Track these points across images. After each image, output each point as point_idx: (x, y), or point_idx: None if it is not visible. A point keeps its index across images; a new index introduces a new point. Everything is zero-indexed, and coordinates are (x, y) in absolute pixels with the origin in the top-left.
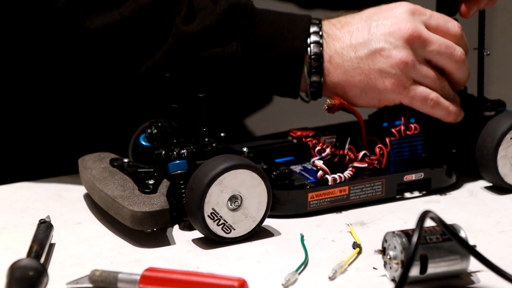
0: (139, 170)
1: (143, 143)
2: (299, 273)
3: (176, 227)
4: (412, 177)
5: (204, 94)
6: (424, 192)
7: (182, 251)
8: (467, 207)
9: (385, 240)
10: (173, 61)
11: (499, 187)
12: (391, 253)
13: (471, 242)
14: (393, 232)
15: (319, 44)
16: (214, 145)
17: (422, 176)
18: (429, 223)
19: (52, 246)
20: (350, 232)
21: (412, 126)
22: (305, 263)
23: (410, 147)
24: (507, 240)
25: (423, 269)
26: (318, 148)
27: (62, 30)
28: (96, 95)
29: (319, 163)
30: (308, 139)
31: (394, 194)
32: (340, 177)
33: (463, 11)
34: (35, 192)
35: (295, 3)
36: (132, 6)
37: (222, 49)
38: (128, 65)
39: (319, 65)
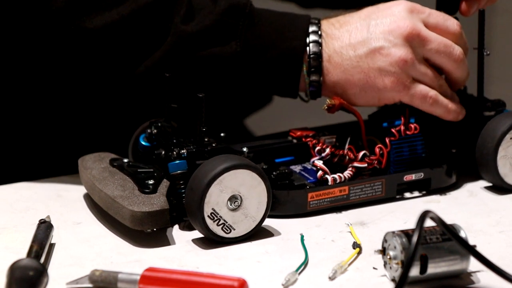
0: (139, 170)
1: (143, 143)
2: (299, 273)
3: (176, 227)
4: (412, 177)
5: (204, 94)
6: (424, 192)
7: (182, 251)
8: (467, 207)
9: (385, 240)
10: (172, 61)
11: (499, 187)
12: (391, 253)
13: (471, 242)
14: (393, 232)
15: (318, 43)
16: (214, 145)
17: (422, 176)
18: (429, 223)
19: (52, 246)
20: (350, 232)
21: (412, 126)
22: (305, 263)
23: (410, 147)
24: (507, 240)
25: (423, 269)
26: (318, 148)
27: (61, 30)
28: (96, 95)
29: (319, 163)
30: (308, 139)
31: (394, 194)
32: (340, 177)
33: (463, 9)
34: (35, 192)
35: (295, 2)
36: (132, 6)
37: (221, 49)
38: (127, 65)
39: (318, 65)
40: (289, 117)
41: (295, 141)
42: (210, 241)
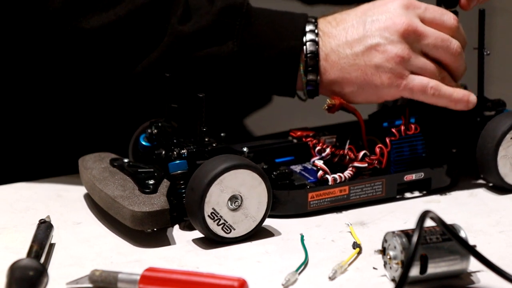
0: (139, 170)
1: (143, 143)
2: (299, 273)
3: (176, 227)
4: (412, 177)
5: (204, 94)
6: (424, 192)
7: (182, 251)
8: (467, 207)
9: (385, 240)
10: (169, 61)
11: (499, 187)
12: (391, 253)
13: (471, 242)
14: (393, 232)
15: (315, 42)
16: (214, 145)
17: (422, 176)
18: (429, 223)
19: (52, 246)
20: (350, 232)
21: (412, 126)
22: (305, 263)
23: (410, 147)
24: (507, 240)
25: (423, 269)
26: (318, 148)
27: (58, 30)
28: (96, 95)
29: (319, 163)
30: (308, 139)
31: (394, 194)
32: (340, 177)
33: (463, 3)
34: (35, 192)
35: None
36: (128, 6)
37: (218, 49)
38: (125, 65)
39: (315, 64)
40: (289, 117)
41: (295, 141)
42: (210, 241)
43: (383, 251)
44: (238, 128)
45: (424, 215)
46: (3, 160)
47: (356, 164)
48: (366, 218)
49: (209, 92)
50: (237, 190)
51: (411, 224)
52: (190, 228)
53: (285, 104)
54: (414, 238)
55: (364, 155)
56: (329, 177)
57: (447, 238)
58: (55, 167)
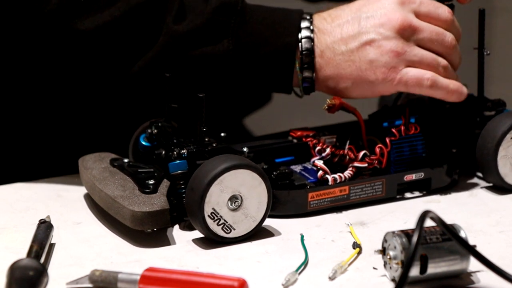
0: (139, 170)
1: (143, 143)
2: (299, 273)
3: (176, 227)
4: (412, 177)
5: (204, 94)
6: (424, 192)
7: (182, 251)
8: (467, 207)
9: (385, 240)
10: (165, 61)
11: (499, 187)
12: (391, 253)
13: (471, 242)
14: (393, 232)
15: (310, 39)
16: (214, 145)
17: (422, 176)
18: (429, 223)
19: (52, 246)
20: (350, 232)
21: (412, 126)
22: (305, 263)
23: (410, 147)
24: (507, 240)
25: (423, 269)
26: (318, 148)
27: (54, 32)
28: (96, 95)
29: (319, 163)
30: (308, 139)
31: (394, 194)
32: (340, 177)
33: None
34: (35, 192)
35: None
36: (123, 7)
37: (213, 48)
38: (121, 65)
39: (311, 61)
40: (289, 117)
41: (295, 141)
42: (210, 241)
43: (383, 251)
44: (238, 128)
45: (424, 215)
46: (3, 160)
47: (356, 164)
48: (366, 218)
49: (206, 91)
50: (237, 190)
51: (411, 224)
52: (190, 228)
53: (285, 104)
54: (414, 238)
55: (364, 155)
56: (329, 177)
57: (447, 238)
58: (55, 167)
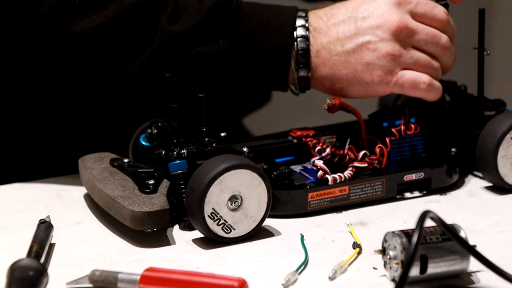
0: (139, 170)
1: (143, 143)
2: (299, 273)
3: (176, 227)
4: (412, 177)
5: (203, 94)
6: (424, 192)
7: (182, 251)
8: (467, 207)
9: (385, 240)
10: (161, 61)
11: (499, 187)
12: (391, 253)
13: (471, 242)
14: (393, 232)
15: (306, 38)
16: (214, 145)
17: (422, 176)
18: (429, 223)
19: (52, 246)
20: (350, 232)
21: (412, 126)
22: (305, 263)
23: (410, 147)
24: (507, 240)
25: (423, 269)
26: (318, 148)
27: (49, 34)
28: (95, 95)
29: (319, 163)
30: (308, 139)
31: (394, 194)
32: (340, 177)
33: None
34: (35, 192)
35: None
36: (118, 8)
37: (208, 47)
38: (117, 67)
39: (306, 61)
40: (289, 117)
41: (295, 141)
42: (210, 241)
43: (383, 251)
44: (238, 128)
45: (424, 215)
46: (3, 160)
47: (356, 164)
48: (366, 218)
49: (203, 91)
50: (237, 190)
51: (411, 224)
52: (190, 228)
53: (285, 104)
54: (414, 238)
55: (364, 155)
56: (329, 177)
57: (447, 238)
58: (55, 167)
